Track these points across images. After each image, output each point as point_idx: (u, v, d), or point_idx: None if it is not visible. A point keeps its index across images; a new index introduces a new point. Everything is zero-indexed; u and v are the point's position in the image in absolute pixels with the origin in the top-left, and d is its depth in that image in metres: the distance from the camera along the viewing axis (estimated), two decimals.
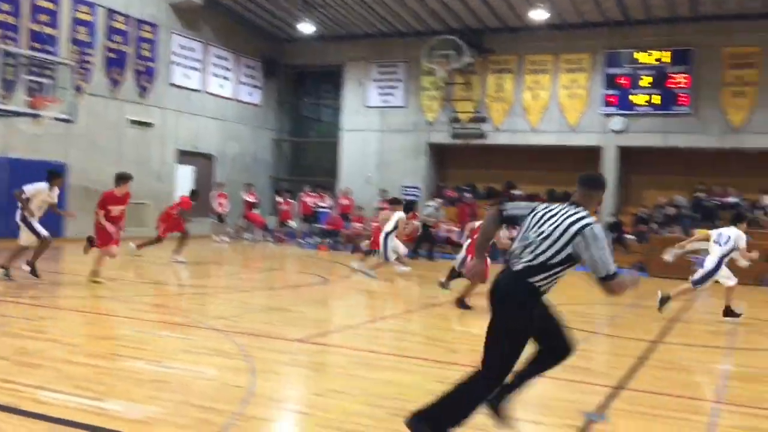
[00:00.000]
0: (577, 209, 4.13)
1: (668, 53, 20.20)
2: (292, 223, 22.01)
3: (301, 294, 11.20)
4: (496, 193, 22.85)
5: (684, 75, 20.04)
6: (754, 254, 10.07)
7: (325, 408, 4.87)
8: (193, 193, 15.58)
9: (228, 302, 9.88)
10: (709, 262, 10.12)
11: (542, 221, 4.14)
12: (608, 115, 20.90)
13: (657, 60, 20.34)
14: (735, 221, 10.36)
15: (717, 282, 10.25)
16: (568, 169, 21.96)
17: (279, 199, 22.44)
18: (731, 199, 19.77)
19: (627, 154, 21.15)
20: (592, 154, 21.11)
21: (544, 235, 4.06)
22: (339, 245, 20.58)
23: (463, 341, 7.67)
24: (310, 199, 22.48)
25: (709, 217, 19.29)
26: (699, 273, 10.24)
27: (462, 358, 6.69)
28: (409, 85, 23.53)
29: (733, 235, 10.02)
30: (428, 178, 23.50)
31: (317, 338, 7.32)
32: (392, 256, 13.60)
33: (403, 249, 14.57)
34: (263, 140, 25.15)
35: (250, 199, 21.42)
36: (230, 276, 13.81)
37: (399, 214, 13.66)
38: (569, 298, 12.24)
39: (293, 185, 24.37)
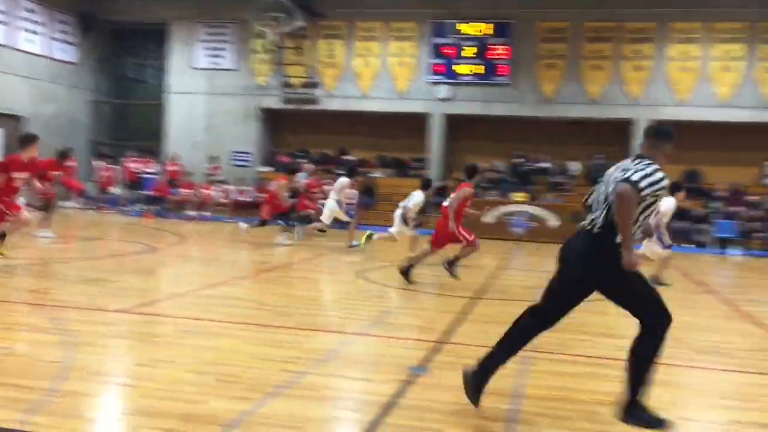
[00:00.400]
0: (641, 161, 4.06)
1: (490, 25, 21.19)
2: (115, 190, 20.86)
3: (124, 263, 10.68)
4: (329, 158, 23.02)
5: (504, 47, 21.15)
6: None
7: (150, 378, 4.71)
8: (63, 154, 14.11)
9: (42, 274, 9.22)
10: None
11: (609, 180, 4.12)
12: (435, 84, 21.64)
13: (479, 31, 21.29)
14: (672, 191, 10.76)
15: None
16: (398, 136, 22.61)
17: (99, 164, 21.14)
18: (544, 164, 21.33)
19: (452, 122, 22.05)
20: (420, 121, 21.82)
21: (609, 192, 4.03)
22: (166, 212, 19.82)
23: (292, 305, 7.72)
24: (134, 165, 21.39)
25: (526, 181, 20.74)
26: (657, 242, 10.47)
27: (290, 321, 6.74)
28: (239, 48, 22.92)
29: (663, 203, 10.40)
30: (260, 144, 23.15)
31: (142, 308, 7.04)
32: (329, 220, 13.98)
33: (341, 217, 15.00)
34: (80, 101, 23.46)
35: (68, 164, 19.96)
36: (45, 246, 12.85)
37: (344, 181, 13.95)
38: (395, 259, 12.69)
39: (115, 150, 23.05)
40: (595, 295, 8.67)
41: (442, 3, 21.51)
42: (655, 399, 4.85)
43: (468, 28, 21.36)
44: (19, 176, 9.08)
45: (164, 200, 20.38)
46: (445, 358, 5.64)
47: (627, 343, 6.74)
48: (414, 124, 21.99)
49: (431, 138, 21.83)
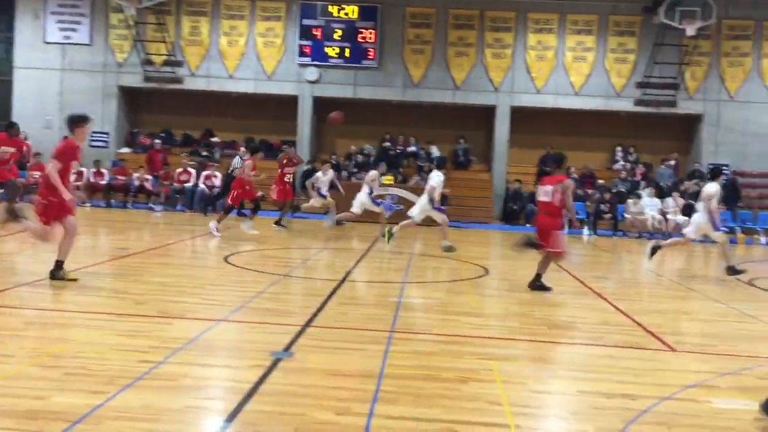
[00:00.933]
0: None
1: (357, 8, 21.22)
2: None
3: None
4: (193, 140, 22.31)
5: (371, 31, 21.27)
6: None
7: None
8: (11, 126, 12.31)
9: None
10: (697, 217, 10.76)
11: None
12: (303, 65, 21.44)
13: (347, 14, 21.28)
14: (713, 177, 10.93)
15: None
16: (266, 117, 22.26)
17: None
18: (412, 148, 21.72)
19: (321, 104, 21.97)
20: (289, 102, 21.57)
21: None
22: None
23: (152, 292, 7.40)
24: None
25: (394, 165, 21.02)
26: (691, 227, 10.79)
27: (149, 309, 6.46)
28: (96, 22, 21.65)
29: (711, 189, 10.60)
30: (119, 124, 22.03)
31: None
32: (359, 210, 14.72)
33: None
34: None
35: None
36: None
37: (374, 173, 14.81)
38: (264, 243, 12.52)
39: None
40: (453, 275, 8.86)
41: None
42: (509, 374, 5.07)
43: (337, 11, 21.29)
44: (74, 166, 7.77)
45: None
46: (309, 342, 5.60)
47: (488, 322, 7.04)
48: (283, 105, 21.72)
49: (300, 120, 21.65)
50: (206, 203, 18.75)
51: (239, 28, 21.57)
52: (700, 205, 10.98)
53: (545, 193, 8.61)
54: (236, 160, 17.62)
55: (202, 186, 19.47)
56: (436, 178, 12.36)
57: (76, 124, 7.74)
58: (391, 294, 8.18)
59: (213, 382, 4.60)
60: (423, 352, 5.50)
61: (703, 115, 21.23)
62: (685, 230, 11.31)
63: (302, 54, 21.40)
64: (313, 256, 11.35)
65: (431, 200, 12.31)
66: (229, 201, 13.27)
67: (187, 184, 19.58)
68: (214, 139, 21.88)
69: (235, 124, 22.32)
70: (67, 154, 7.55)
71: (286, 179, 15.40)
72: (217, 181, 19.62)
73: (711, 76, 21.12)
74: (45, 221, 7.52)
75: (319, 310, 6.86)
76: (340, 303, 7.36)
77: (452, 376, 4.88)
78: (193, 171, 19.76)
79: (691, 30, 19.75)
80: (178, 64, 21.50)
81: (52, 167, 7.42)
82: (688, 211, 18.97)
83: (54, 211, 7.47)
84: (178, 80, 21.56)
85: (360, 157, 21.28)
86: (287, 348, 5.33)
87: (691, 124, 21.76)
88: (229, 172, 17.83)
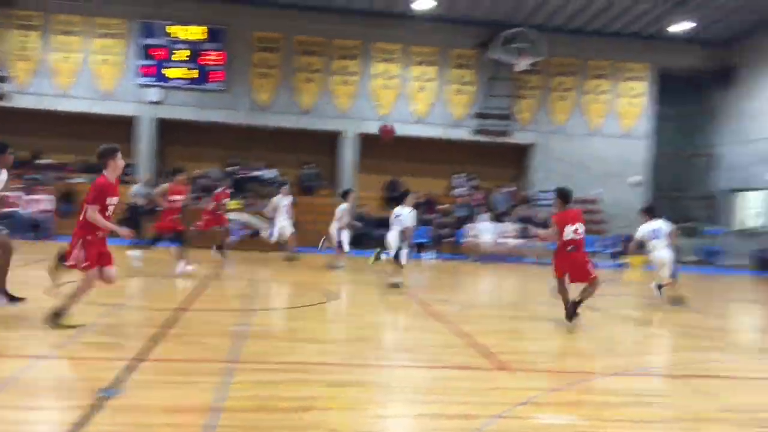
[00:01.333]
0: None
1: (202, 30, 20.79)
2: None
3: None
4: (21, 162, 20.69)
5: (217, 53, 20.90)
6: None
7: None
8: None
9: None
10: (666, 254, 10.95)
11: None
12: (145, 86, 20.63)
13: (191, 35, 20.79)
14: (649, 214, 11.17)
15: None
16: (102, 138, 20.74)
17: None
18: (257, 173, 21.49)
19: (164, 126, 21.21)
20: (127, 123, 20.64)
21: None
22: None
23: None
24: None
25: (240, 189, 20.65)
26: (667, 268, 10.97)
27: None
28: None
29: (665, 227, 11.01)
30: None
31: None
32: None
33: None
34: None
35: None
36: None
37: (344, 207, 13.98)
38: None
39: None
40: (297, 301, 8.76)
41: (150, 3, 20.63)
42: (352, 400, 5.05)
43: (180, 32, 20.73)
44: (112, 203, 6.95)
45: None
46: (142, 377, 5.28)
47: (330, 348, 6.99)
48: (120, 126, 20.73)
49: (140, 142, 20.76)
50: (33, 228, 17.43)
51: (73, 44, 20.40)
52: (656, 243, 10.98)
53: (575, 230, 8.53)
54: (137, 188, 16.21)
55: (28, 210, 18.07)
56: (410, 214, 11.37)
57: (106, 156, 7.06)
58: (232, 322, 7.94)
59: (28, 427, 4.21)
60: (265, 381, 5.36)
61: (535, 145, 22.68)
62: (665, 274, 11.05)
63: (143, 74, 20.58)
64: (150, 284, 10.82)
65: (404, 237, 11.39)
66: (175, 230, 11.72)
67: (9, 209, 18.09)
68: (44, 161, 20.43)
69: (67, 145, 20.98)
70: (102, 193, 6.86)
71: (219, 210, 14.59)
72: (46, 205, 18.32)
73: (541, 109, 22.66)
74: (89, 264, 6.78)
75: (155, 342, 6.50)
76: (177, 334, 7.03)
77: (294, 405, 4.79)
78: (15, 195, 18.28)
79: (521, 65, 21.06)
80: (4, 79, 19.95)
81: (92, 212, 6.75)
82: (522, 234, 20.15)
83: (95, 249, 6.81)
84: (4, 97, 19.99)
85: (205, 182, 20.69)
86: (116, 385, 4.99)
87: (524, 153, 23.16)
88: (131, 203, 16.11)
